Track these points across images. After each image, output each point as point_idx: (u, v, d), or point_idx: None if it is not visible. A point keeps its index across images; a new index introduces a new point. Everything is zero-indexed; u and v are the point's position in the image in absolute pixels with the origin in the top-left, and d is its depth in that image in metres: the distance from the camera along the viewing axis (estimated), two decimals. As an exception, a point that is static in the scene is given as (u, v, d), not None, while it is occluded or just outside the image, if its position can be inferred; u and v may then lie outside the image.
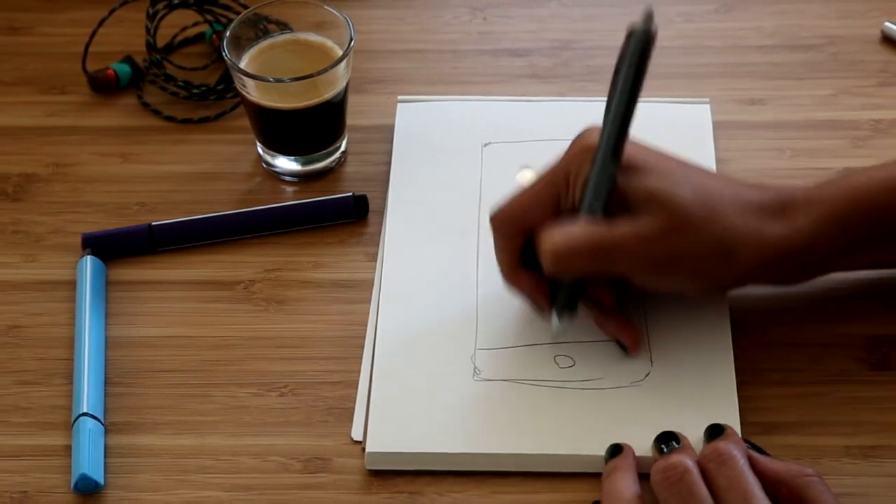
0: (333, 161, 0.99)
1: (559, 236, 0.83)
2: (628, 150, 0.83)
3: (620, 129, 0.82)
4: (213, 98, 1.04)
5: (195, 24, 1.07)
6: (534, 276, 0.86)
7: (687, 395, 0.85)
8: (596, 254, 0.82)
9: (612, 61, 0.82)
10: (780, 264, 0.84)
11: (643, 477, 0.80)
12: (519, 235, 0.86)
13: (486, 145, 0.99)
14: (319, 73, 0.93)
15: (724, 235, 0.82)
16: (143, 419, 0.86)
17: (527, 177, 0.92)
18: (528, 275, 0.87)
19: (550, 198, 0.85)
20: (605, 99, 0.97)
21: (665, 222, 0.82)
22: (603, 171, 0.82)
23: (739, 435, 0.82)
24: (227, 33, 0.95)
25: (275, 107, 0.95)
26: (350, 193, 0.96)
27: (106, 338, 0.90)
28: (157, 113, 1.03)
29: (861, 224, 0.83)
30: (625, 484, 0.79)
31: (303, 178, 0.99)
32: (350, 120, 1.00)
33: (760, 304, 0.90)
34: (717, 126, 0.99)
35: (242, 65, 0.96)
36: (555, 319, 0.86)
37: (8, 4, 1.10)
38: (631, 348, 0.87)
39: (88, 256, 0.93)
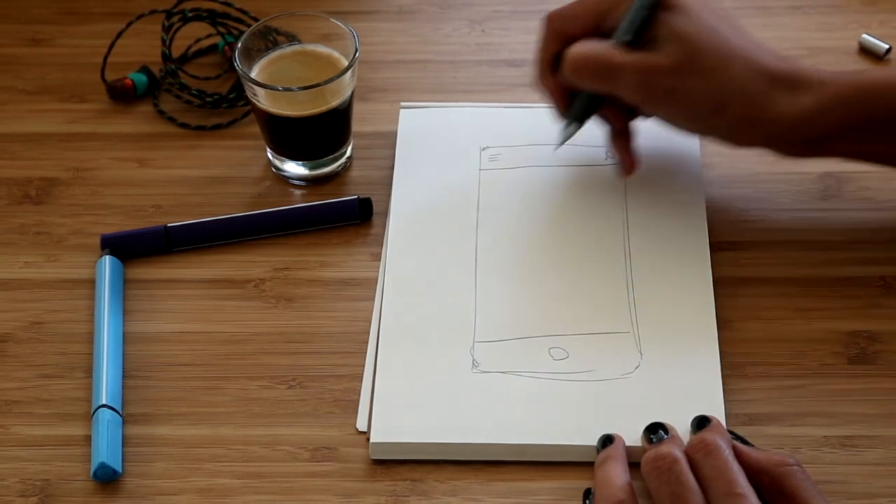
0: (339, 166, 0.99)
1: (581, 46, 0.88)
2: None
3: None
4: (226, 106, 1.03)
5: (208, 35, 1.07)
6: (559, 83, 0.91)
7: (675, 388, 0.85)
8: (606, 70, 0.87)
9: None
10: (770, 131, 0.86)
11: (633, 465, 0.80)
12: (557, 38, 0.90)
13: (483, 149, 0.98)
14: (326, 82, 0.93)
15: (724, 88, 0.85)
16: (159, 410, 0.86)
17: None
18: (554, 79, 0.91)
19: (594, 15, 0.89)
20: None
21: (676, 60, 0.85)
22: (641, 3, 0.86)
23: (724, 426, 0.81)
24: (239, 45, 0.95)
25: (284, 114, 0.95)
26: (355, 196, 0.96)
27: (123, 333, 0.90)
28: (172, 120, 1.03)
29: (864, 112, 0.85)
30: (616, 473, 0.79)
31: (310, 182, 0.99)
32: (355, 126, 0.99)
33: (745, 303, 0.90)
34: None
35: (253, 74, 0.96)
36: (563, 125, 0.91)
37: (31, 17, 1.10)
38: (626, 170, 0.92)
39: (107, 256, 0.93)
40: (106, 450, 0.83)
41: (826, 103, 0.85)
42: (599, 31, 0.89)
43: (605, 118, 0.92)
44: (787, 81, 0.85)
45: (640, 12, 0.86)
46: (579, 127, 0.91)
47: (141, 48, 1.06)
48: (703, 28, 0.85)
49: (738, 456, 0.78)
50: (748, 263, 0.92)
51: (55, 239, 0.96)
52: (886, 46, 1.04)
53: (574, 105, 0.91)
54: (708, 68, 0.85)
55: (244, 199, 0.98)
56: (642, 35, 0.87)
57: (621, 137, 0.92)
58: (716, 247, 0.92)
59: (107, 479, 0.83)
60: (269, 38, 0.97)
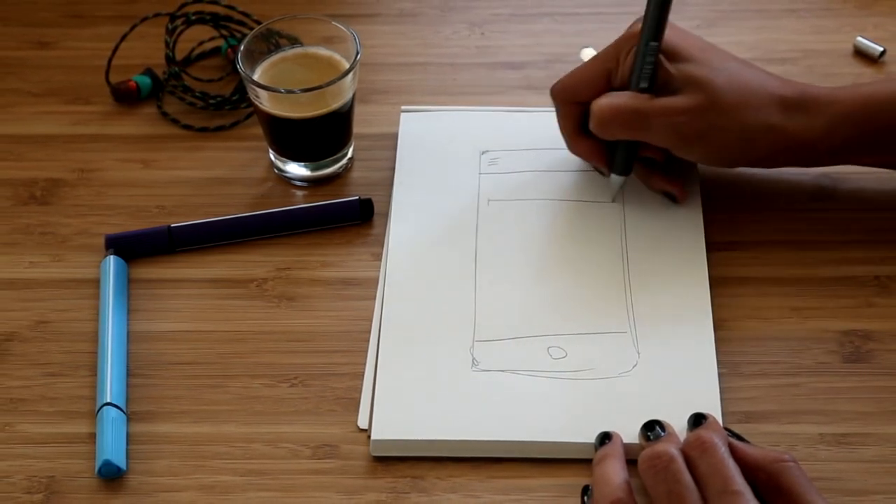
0: (341, 167, 0.99)
1: (605, 101, 0.90)
2: (678, 41, 0.90)
3: (660, 15, 0.88)
4: (228, 108, 1.03)
5: (211, 38, 1.07)
6: (592, 142, 0.93)
7: (672, 386, 0.85)
8: (635, 119, 0.89)
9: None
10: (794, 152, 0.90)
11: (631, 463, 0.80)
12: (574, 104, 0.92)
13: (483, 152, 0.98)
14: (328, 84, 0.93)
15: (747, 121, 0.88)
16: (163, 408, 0.86)
17: (587, 55, 0.96)
18: (587, 141, 0.93)
19: (602, 73, 0.91)
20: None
21: (699, 102, 0.88)
22: (646, 51, 0.88)
23: (720, 423, 0.81)
24: (242, 47, 0.95)
25: (286, 116, 0.95)
26: (356, 197, 0.96)
27: (128, 332, 0.90)
28: (175, 122, 1.03)
29: (870, 126, 0.89)
30: (614, 470, 0.79)
31: (312, 183, 0.99)
32: (356, 128, 0.99)
33: (741, 302, 0.90)
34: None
35: (256, 77, 0.96)
36: (613, 179, 0.93)
37: (36, 20, 1.10)
38: (679, 197, 0.93)
39: (111, 256, 0.93)
40: (110, 447, 0.83)
41: (836, 121, 0.89)
42: (610, 89, 0.91)
43: (648, 159, 0.93)
44: (799, 105, 0.89)
45: (648, 58, 0.89)
46: (627, 177, 0.93)
47: (145, 51, 1.06)
48: (715, 69, 0.89)
49: (734, 453, 0.78)
50: (744, 263, 0.92)
51: (60, 239, 0.96)
52: (881, 49, 1.04)
53: (617, 159, 0.93)
54: (730, 107, 0.88)
55: (246, 199, 0.98)
56: (655, 82, 0.89)
57: (657, 173, 0.94)
58: (712, 246, 0.92)
59: (111, 476, 0.83)
60: (271, 41, 0.97)
